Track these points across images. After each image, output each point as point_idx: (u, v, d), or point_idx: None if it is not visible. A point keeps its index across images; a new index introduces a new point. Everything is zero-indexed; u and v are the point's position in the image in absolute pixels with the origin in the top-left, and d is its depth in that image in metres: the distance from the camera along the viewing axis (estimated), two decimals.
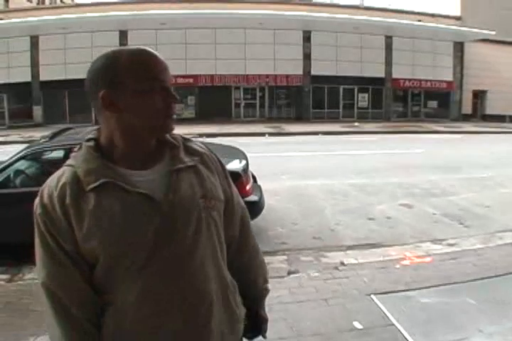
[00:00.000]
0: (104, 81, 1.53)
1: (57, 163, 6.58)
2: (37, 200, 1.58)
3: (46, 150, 6.85)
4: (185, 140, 1.77)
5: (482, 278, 5.36)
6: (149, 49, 1.58)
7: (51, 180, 1.59)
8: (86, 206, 1.50)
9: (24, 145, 7.18)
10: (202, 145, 1.82)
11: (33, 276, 5.61)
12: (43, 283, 1.55)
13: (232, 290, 1.79)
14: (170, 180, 1.60)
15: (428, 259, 6.12)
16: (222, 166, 1.85)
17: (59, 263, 1.53)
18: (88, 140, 1.64)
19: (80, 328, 1.54)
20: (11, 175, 6.50)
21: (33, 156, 6.83)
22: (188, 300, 1.58)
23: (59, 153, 6.74)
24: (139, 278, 1.52)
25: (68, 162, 1.62)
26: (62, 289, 1.53)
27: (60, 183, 1.54)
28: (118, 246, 1.50)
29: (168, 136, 1.70)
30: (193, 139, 1.84)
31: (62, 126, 9.02)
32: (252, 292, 1.99)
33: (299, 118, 36.00)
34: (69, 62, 33.10)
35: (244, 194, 6.32)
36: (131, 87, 1.52)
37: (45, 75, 33.96)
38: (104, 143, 1.61)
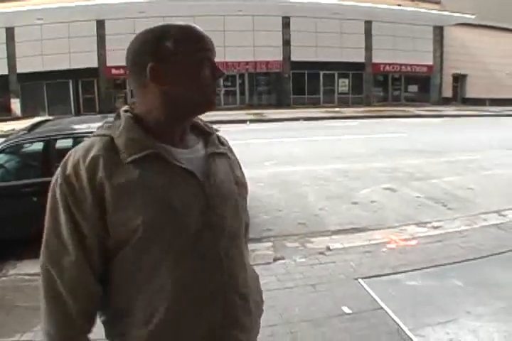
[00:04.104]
0: (154, 54, 1.49)
1: (37, 156, 6.51)
2: (58, 170, 1.48)
3: (25, 143, 6.63)
4: (216, 130, 1.77)
5: (468, 260, 5.39)
6: (196, 25, 1.58)
7: (78, 150, 1.48)
8: (125, 178, 1.41)
9: (2, 139, 7.01)
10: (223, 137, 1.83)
11: (17, 272, 5.55)
12: (43, 265, 1.46)
13: (257, 280, 1.79)
14: (209, 163, 1.57)
15: (414, 242, 6.12)
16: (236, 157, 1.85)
17: (63, 243, 1.43)
18: (125, 111, 1.58)
19: (68, 320, 1.44)
20: None
21: (12, 149, 6.60)
22: (228, 290, 1.53)
23: (38, 145, 6.61)
24: (180, 263, 1.44)
25: (98, 132, 1.53)
26: (61, 274, 1.43)
27: (91, 154, 1.43)
28: (161, 223, 1.42)
29: (201, 123, 1.71)
30: None
31: (41, 118, 8.86)
32: None
33: (280, 105, 35.88)
34: (46, 54, 32.75)
35: None
36: (181, 60, 1.50)
37: (22, 67, 33.40)
38: (142, 116, 1.55)
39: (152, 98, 1.52)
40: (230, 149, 1.78)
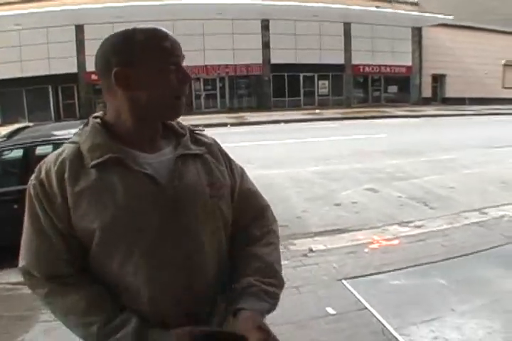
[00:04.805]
0: (118, 58, 1.47)
1: (17, 163, 6.43)
2: (33, 176, 1.51)
3: (5, 150, 6.55)
4: (193, 131, 1.73)
5: (450, 258, 5.42)
6: (162, 28, 1.53)
7: (50, 156, 1.54)
8: (85, 182, 1.44)
9: None
10: (208, 136, 1.79)
11: None
12: (23, 266, 1.51)
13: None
14: (175, 166, 1.55)
15: (396, 242, 6.14)
16: (226, 155, 1.81)
17: (46, 240, 1.47)
18: (94, 117, 1.60)
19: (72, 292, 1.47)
20: None
21: None
22: (193, 295, 1.52)
23: (18, 152, 6.53)
24: (143, 268, 1.46)
25: (71, 139, 1.57)
26: (40, 264, 1.48)
27: (60, 158, 1.49)
28: (117, 228, 1.43)
29: (175, 124, 1.68)
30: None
31: (21, 125, 8.77)
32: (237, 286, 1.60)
33: (260, 108, 35.83)
34: (25, 59, 32.41)
35: None
36: (147, 65, 1.47)
37: (0, 74, 32.97)
38: (111, 122, 1.56)
39: (119, 103, 1.52)
40: (209, 149, 1.71)
